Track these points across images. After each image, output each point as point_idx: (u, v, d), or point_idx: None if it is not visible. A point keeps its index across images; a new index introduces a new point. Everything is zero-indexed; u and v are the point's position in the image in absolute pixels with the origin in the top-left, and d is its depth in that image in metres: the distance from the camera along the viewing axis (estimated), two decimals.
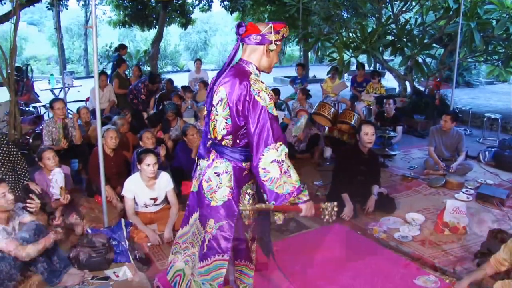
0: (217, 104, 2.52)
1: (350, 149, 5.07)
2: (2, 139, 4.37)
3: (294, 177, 2.44)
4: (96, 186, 4.86)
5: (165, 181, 4.33)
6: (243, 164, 2.58)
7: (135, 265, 3.67)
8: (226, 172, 2.56)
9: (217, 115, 2.53)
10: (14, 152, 4.41)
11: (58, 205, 4.29)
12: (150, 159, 4.12)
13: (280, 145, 2.39)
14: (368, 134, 4.69)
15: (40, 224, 3.41)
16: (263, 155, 2.37)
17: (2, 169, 4.30)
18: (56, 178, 4.26)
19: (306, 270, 3.50)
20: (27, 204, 3.53)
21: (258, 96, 2.40)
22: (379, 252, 3.90)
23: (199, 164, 2.76)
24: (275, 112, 2.43)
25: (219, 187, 2.56)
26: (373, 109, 8.31)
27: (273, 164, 2.37)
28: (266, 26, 2.46)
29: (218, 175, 2.56)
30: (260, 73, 2.57)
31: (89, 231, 3.97)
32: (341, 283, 3.37)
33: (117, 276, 3.52)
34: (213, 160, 2.61)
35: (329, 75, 9.84)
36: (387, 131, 6.62)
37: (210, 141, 2.68)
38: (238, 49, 2.57)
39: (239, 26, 2.49)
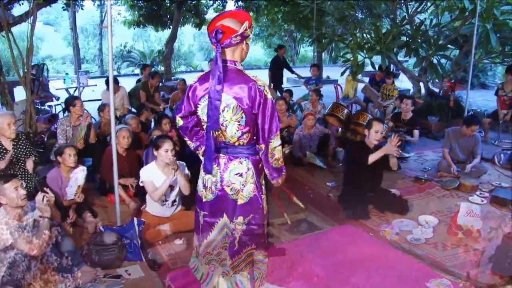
0: (223, 110, 2.59)
1: (357, 145, 5.07)
2: (19, 136, 4.45)
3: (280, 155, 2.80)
4: (109, 185, 4.90)
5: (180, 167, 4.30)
6: (257, 156, 2.76)
7: (147, 264, 3.69)
8: (249, 169, 2.73)
9: (226, 120, 2.60)
10: (30, 149, 4.48)
11: (71, 203, 4.33)
12: (168, 145, 4.09)
13: (279, 132, 2.72)
14: (378, 132, 4.68)
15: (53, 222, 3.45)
16: (270, 141, 2.66)
17: (18, 165, 4.36)
18: (77, 176, 4.31)
19: (317, 271, 3.48)
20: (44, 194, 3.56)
21: (265, 90, 2.60)
22: (392, 254, 3.87)
23: (206, 179, 2.83)
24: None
25: (244, 185, 2.74)
26: (389, 110, 8.26)
27: (278, 148, 2.71)
28: (241, 25, 2.52)
29: (240, 175, 2.72)
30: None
31: (102, 229, 4.01)
32: (353, 284, 3.35)
33: (129, 274, 3.54)
34: (225, 164, 2.71)
35: (347, 73, 9.73)
36: (401, 133, 6.56)
37: (216, 147, 2.73)
38: (220, 56, 2.54)
39: (217, 33, 2.49)
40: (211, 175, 2.78)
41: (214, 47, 2.55)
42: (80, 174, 4.32)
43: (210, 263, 2.96)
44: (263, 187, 2.84)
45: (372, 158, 4.51)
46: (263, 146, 2.68)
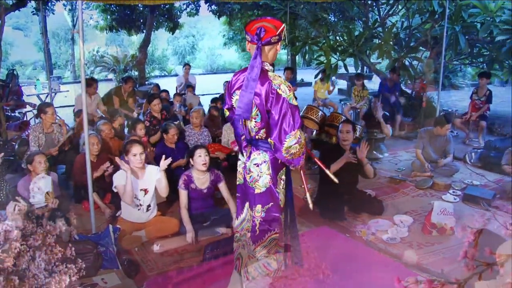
0: None
1: (331, 147, 5.13)
2: None
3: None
4: (83, 192, 4.82)
5: (153, 171, 4.29)
6: None
7: (124, 271, 3.64)
8: (265, 161, 2.87)
9: None
10: None
11: (45, 211, 4.24)
12: (136, 149, 4.13)
13: (299, 131, 2.75)
14: (343, 132, 4.79)
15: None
16: (286, 140, 2.72)
17: None
18: (39, 185, 4.18)
19: (294, 273, 3.49)
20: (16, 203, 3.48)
21: (280, 89, 2.71)
22: (368, 254, 3.91)
23: (239, 159, 3.07)
24: (295, 102, 2.76)
25: (260, 176, 2.88)
26: (363, 112, 8.36)
27: (294, 145, 2.75)
28: (279, 27, 2.75)
29: (257, 166, 2.88)
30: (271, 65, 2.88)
31: (77, 237, 3.93)
32: (330, 285, 3.37)
33: (105, 282, 3.49)
34: (250, 153, 2.90)
35: (319, 77, 9.81)
36: (375, 133, 6.64)
37: (244, 138, 2.94)
38: (260, 53, 2.75)
39: (260, 31, 2.71)
40: (241, 161, 3.00)
41: (251, 45, 2.79)
42: (41, 182, 4.18)
43: (238, 241, 3.15)
44: (281, 182, 2.97)
45: (334, 167, 4.56)
46: (273, 141, 2.77)
